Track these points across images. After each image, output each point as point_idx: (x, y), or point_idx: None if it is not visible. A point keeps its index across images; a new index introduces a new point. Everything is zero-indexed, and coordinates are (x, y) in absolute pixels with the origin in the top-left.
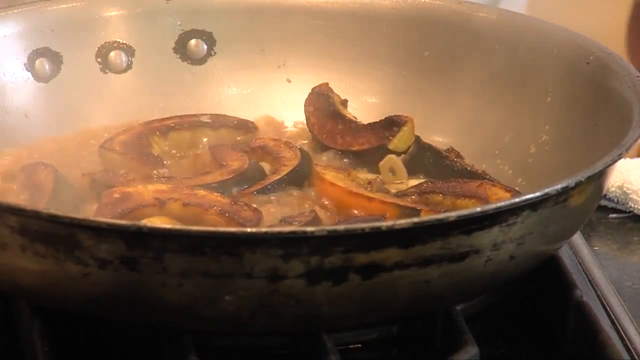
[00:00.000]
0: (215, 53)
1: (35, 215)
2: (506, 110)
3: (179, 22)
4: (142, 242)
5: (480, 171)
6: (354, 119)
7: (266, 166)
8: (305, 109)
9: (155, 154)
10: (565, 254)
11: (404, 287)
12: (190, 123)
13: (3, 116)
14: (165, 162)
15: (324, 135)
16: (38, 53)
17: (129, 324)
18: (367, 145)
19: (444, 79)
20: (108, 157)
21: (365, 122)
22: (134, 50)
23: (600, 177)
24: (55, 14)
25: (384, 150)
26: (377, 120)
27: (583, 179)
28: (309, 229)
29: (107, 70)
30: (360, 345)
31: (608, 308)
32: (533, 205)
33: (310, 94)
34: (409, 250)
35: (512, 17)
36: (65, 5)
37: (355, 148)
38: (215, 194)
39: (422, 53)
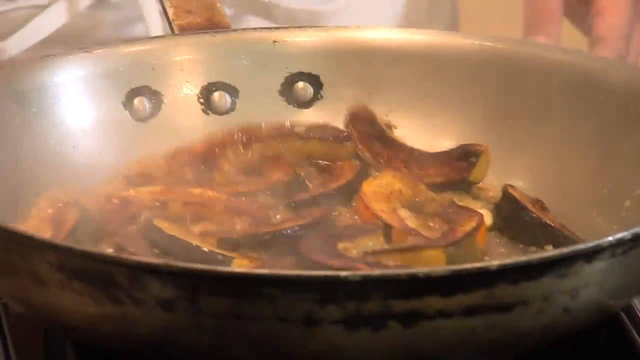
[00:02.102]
0: (321, 97)
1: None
2: (600, 161)
3: (286, 65)
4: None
5: (560, 226)
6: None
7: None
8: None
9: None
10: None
11: (448, 337)
12: (280, 132)
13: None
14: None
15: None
16: (137, 91)
17: None
18: (442, 178)
19: (540, 128)
20: (168, 166)
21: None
22: (238, 91)
23: None
24: (155, 53)
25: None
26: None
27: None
28: (343, 274)
29: (209, 112)
30: None
31: None
32: (586, 256)
33: (350, 117)
34: (451, 299)
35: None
36: (167, 44)
37: (426, 181)
38: (211, 191)
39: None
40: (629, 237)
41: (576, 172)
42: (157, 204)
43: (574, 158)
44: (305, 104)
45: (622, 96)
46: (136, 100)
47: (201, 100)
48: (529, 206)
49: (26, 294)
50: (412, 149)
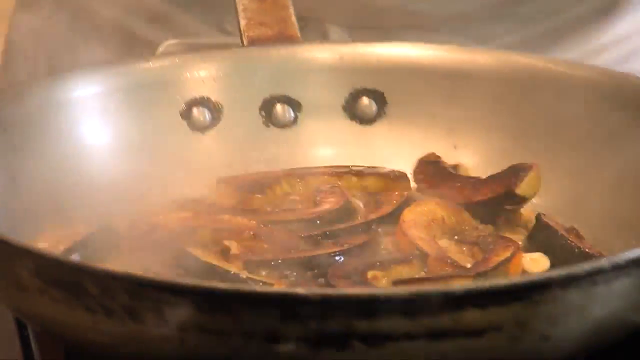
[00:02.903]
0: (385, 114)
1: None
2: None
3: (351, 80)
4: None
5: (597, 253)
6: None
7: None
8: (415, 177)
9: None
10: None
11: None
12: (337, 171)
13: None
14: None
15: (451, 194)
16: (197, 102)
17: None
18: (491, 194)
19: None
20: (219, 190)
21: None
22: (301, 105)
23: None
24: (218, 63)
25: (510, 198)
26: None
27: (622, 262)
28: (300, 291)
29: (270, 124)
30: None
31: None
32: (560, 283)
33: (417, 163)
34: (415, 322)
35: None
36: (232, 55)
37: (477, 199)
38: (240, 217)
39: (581, 127)
40: (607, 266)
41: (611, 197)
42: (186, 230)
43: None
44: (369, 121)
45: None
46: (195, 111)
47: (262, 113)
48: (564, 234)
49: (12, 299)
50: (469, 177)
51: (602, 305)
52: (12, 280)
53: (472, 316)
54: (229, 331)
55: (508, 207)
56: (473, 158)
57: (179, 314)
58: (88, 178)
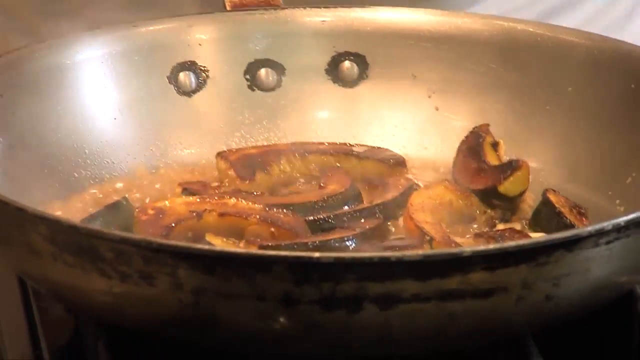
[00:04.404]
0: (367, 77)
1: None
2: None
3: (333, 44)
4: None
5: None
6: (495, 161)
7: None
8: (458, 147)
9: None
10: None
11: (427, 321)
12: (338, 150)
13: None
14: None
15: (459, 174)
16: (183, 67)
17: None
18: (483, 185)
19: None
20: (219, 165)
21: None
22: (285, 69)
23: None
24: (204, 28)
25: (495, 194)
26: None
27: (623, 223)
28: (316, 255)
29: (254, 88)
30: None
31: None
32: (566, 244)
33: (470, 132)
34: (426, 283)
35: None
36: (215, 21)
37: (472, 187)
38: (246, 201)
39: (565, 88)
40: (609, 227)
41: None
42: (194, 214)
43: (603, 145)
44: (351, 83)
45: None
46: (181, 75)
47: (247, 76)
48: (566, 211)
49: (25, 265)
50: (484, 162)
51: (602, 266)
52: (24, 246)
53: (480, 277)
54: (244, 295)
55: (496, 202)
56: (455, 119)
57: (194, 278)
58: (86, 142)
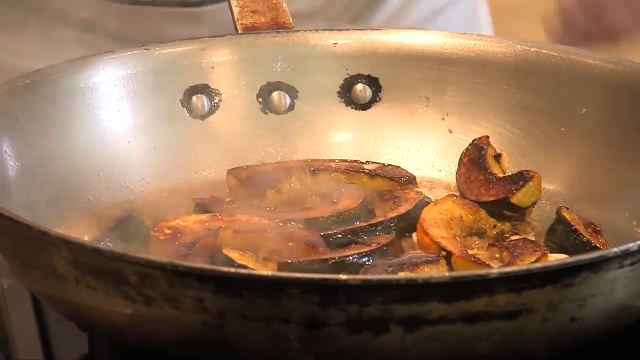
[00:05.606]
0: (380, 99)
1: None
2: None
3: (345, 67)
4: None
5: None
6: (500, 172)
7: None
8: (460, 159)
9: (286, 193)
10: None
11: (452, 342)
12: (349, 167)
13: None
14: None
15: (465, 186)
16: (196, 89)
17: None
18: (494, 197)
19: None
20: (230, 182)
21: None
22: (298, 92)
23: None
24: (217, 51)
25: (506, 205)
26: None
27: None
28: (343, 277)
29: (267, 111)
30: None
31: None
32: (592, 266)
33: (469, 145)
34: (452, 305)
35: None
36: (228, 44)
37: (484, 199)
38: (258, 217)
39: (580, 110)
40: (635, 248)
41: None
42: (209, 232)
43: (619, 167)
44: (364, 106)
45: None
46: (194, 98)
47: (259, 99)
48: (581, 229)
49: (45, 288)
50: (491, 173)
51: (626, 287)
52: (46, 269)
53: (506, 299)
54: (270, 317)
55: (507, 213)
56: (469, 142)
57: (220, 301)
58: (100, 165)
